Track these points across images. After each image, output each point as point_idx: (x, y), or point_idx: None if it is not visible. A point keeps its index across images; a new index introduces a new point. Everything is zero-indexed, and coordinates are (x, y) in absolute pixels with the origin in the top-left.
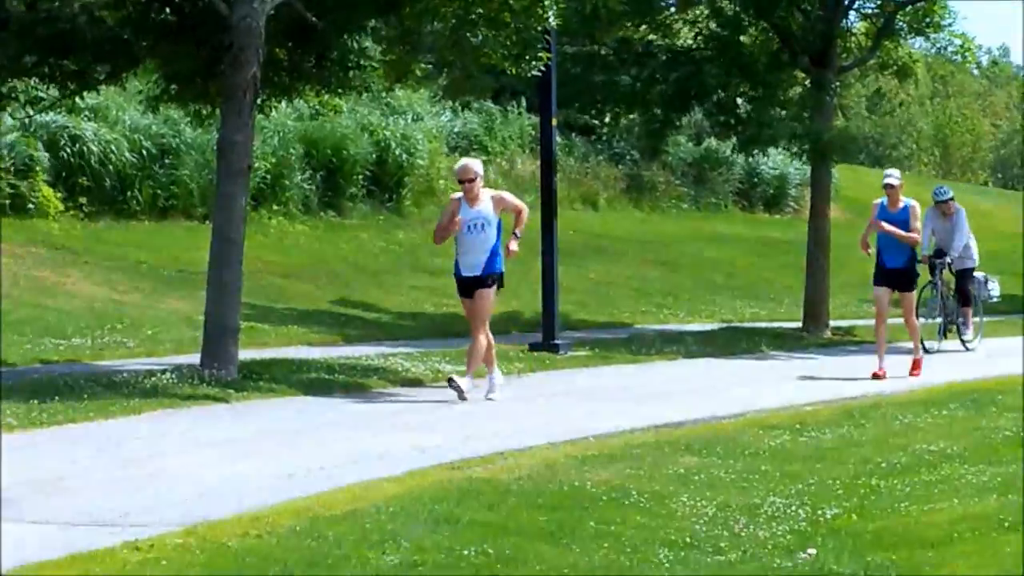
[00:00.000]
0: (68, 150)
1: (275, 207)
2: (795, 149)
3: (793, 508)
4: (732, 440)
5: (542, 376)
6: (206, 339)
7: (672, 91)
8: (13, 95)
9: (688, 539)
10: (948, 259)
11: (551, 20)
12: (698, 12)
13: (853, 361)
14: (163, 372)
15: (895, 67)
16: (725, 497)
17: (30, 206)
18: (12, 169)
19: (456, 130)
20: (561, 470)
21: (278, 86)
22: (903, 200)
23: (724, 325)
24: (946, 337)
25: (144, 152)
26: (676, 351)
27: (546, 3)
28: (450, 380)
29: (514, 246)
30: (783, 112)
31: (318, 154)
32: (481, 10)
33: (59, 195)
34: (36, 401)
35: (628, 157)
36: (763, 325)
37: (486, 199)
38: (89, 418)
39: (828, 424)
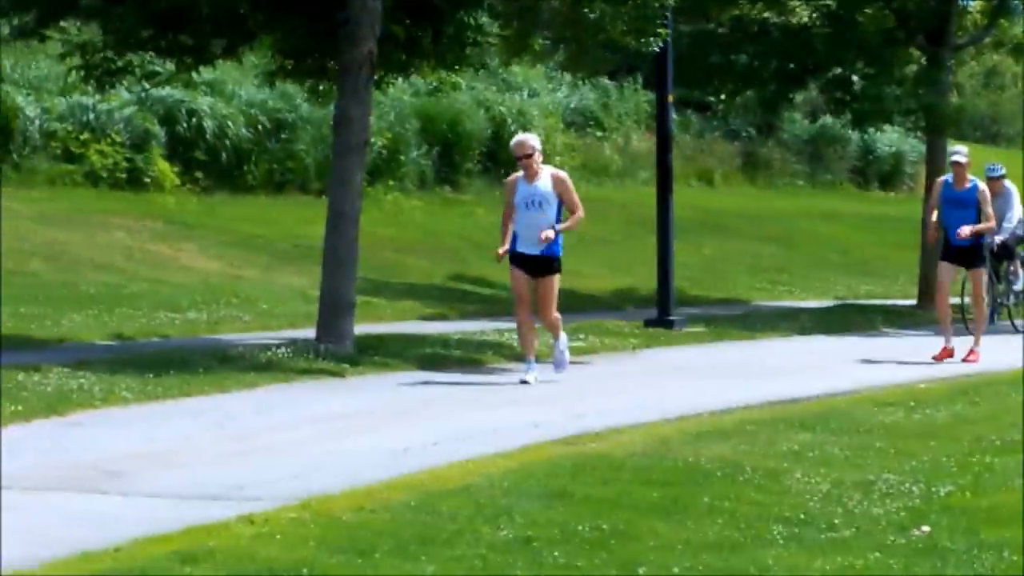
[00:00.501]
0: (184, 124)
1: (391, 182)
2: (909, 124)
3: (907, 485)
4: (846, 416)
5: (657, 352)
6: (321, 313)
7: (786, 67)
8: (129, 69)
9: (802, 515)
10: (999, 238)
11: None
12: None
13: (967, 340)
14: (278, 346)
15: (1011, 45)
16: (839, 474)
17: (146, 180)
18: (128, 143)
19: (572, 106)
20: (675, 446)
21: (395, 62)
22: (970, 179)
23: (838, 302)
24: (993, 322)
25: (260, 127)
26: (790, 328)
27: None
28: (522, 381)
29: (549, 234)
30: (898, 89)
31: (434, 130)
32: None
33: (175, 169)
34: (152, 375)
35: (743, 134)
36: (877, 302)
37: (545, 176)
38: (204, 392)
39: (941, 401)
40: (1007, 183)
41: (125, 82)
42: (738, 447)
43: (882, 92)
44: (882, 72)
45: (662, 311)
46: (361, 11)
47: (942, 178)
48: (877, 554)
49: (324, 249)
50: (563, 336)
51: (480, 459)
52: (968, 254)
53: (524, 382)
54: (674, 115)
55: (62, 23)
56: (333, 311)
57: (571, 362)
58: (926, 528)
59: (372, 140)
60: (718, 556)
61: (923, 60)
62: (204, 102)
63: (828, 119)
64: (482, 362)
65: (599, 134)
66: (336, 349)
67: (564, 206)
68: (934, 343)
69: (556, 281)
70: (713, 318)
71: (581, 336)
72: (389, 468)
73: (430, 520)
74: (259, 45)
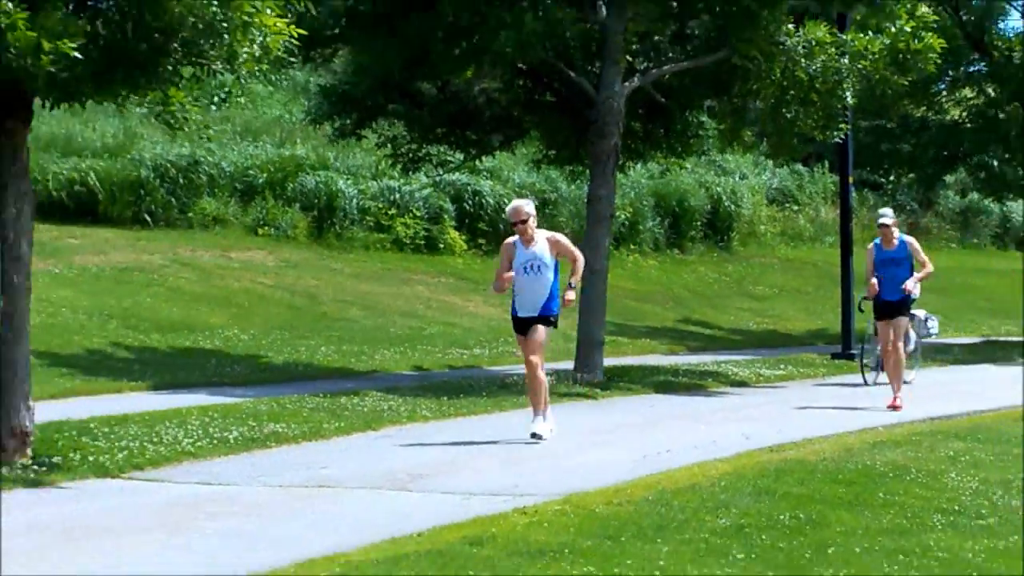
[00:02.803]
0: (470, 202)
1: (632, 246)
2: None
3: None
4: (992, 429)
5: (842, 379)
6: (578, 349)
7: (941, 154)
8: (428, 158)
9: (957, 507)
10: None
11: (848, 99)
12: (964, 93)
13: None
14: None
15: None
16: (986, 474)
17: (440, 246)
18: (426, 216)
19: (774, 186)
20: (856, 452)
21: (634, 151)
22: (897, 237)
23: (984, 339)
24: (882, 371)
25: None
26: (947, 359)
27: (844, 86)
28: (532, 435)
29: (570, 295)
30: None
31: (665, 205)
32: (794, 92)
33: (463, 237)
34: (446, 398)
35: (908, 207)
36: (1016, 339)
37: (541, 240)
38: (487, 411)
39: None
40: (897, 232)
41: (423, 168)
42: (906, 453)
43: (1017, 173)
44: (1017, 157)
45: (845, 346)
46: (608, 113)
47: (871, 244)
48: (1015, 537)
49: (581, 299)
50: (548, 408)
51: (703, 464)
52: (896, 305)
53: (536, 436)
54: (853, 192)
55: (374, 124)
56: (587, 347)
57: (772, 386)
58: None
59: (617, 213)
60: (890, 539)
61: None
62: (485, 184)
63: (975, 195)
64: (704, 387)
65: (795, 208)
66: (589, 378)
67: (564, 258)
68: None
69: (548, 333)
70: None
71: (781, 366)
72: (632, 471)
73: (664, 511)
74: (529, 139)
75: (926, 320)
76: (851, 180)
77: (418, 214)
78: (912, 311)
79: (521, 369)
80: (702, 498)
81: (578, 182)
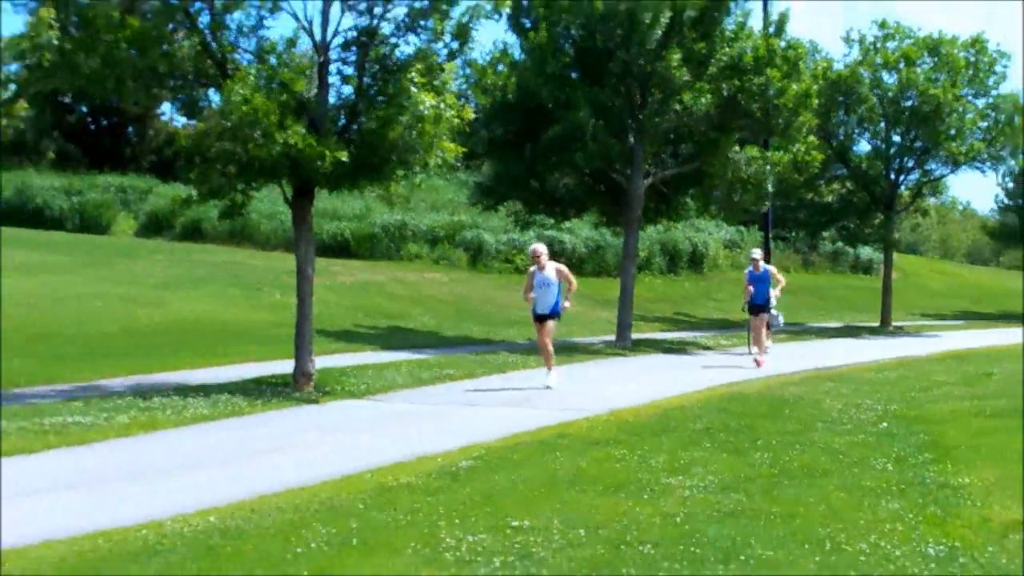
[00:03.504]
0: (557, 247)
1: (647, 272)
2: None
3: (881, 406)
4: (849, 375)
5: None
6: (617, 328)
7: (821, 220)
8: (534, 221)
9: (830, 419)
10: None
11: (770, 188)
12: (833, 186)
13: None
14: (600, 343)
15: None
16: (846, 401)
17: None
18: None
19: (728, 237)
20: (772, 388)
21: (649, 218)
22: (762, 266)
23: (844, 324)
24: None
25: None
26: (821, 336)
27: (767, 180)
28: (546, 386)
29: (567, 304)
30: None
31: (666, 248)
32: (739, 184)
33: None
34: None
35: (802, 250)
36: (864, 325)
37: (551, 268)
38: (569, 362)
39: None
40: (762, 263)
41: (532, 227)
42: (800, 388)
43: (863, 231)
44: (864, 222)
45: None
46: (635, 198)
47: (747, 269)
48: (862, 435)
49: (619, 298)
50: (553, 370)
51: (686, 394)
52: (762, 307)
53: (548, 387)
54: (771, 241)
55: (505, 203)
56: (622, 327)
57: (726, 351)
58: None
59: (639, 253)
60: (792, 437)
61: None
62: (566, 236)
63: (840, 243)
64: (687, 350)
65: (738, 249)
66: (623, 345)
67: (564, 282)
68: None
69: (555, 324)
70: None
71: (734, 339)
72: (646, 398)
73: (665, 420)
74: (590, 212)
75: (777, 316)
76: (770, 234)
77: (528, 253)
78: (771, 310)
79: (592, 339)
80: (685, 413)
81: (618, 236)
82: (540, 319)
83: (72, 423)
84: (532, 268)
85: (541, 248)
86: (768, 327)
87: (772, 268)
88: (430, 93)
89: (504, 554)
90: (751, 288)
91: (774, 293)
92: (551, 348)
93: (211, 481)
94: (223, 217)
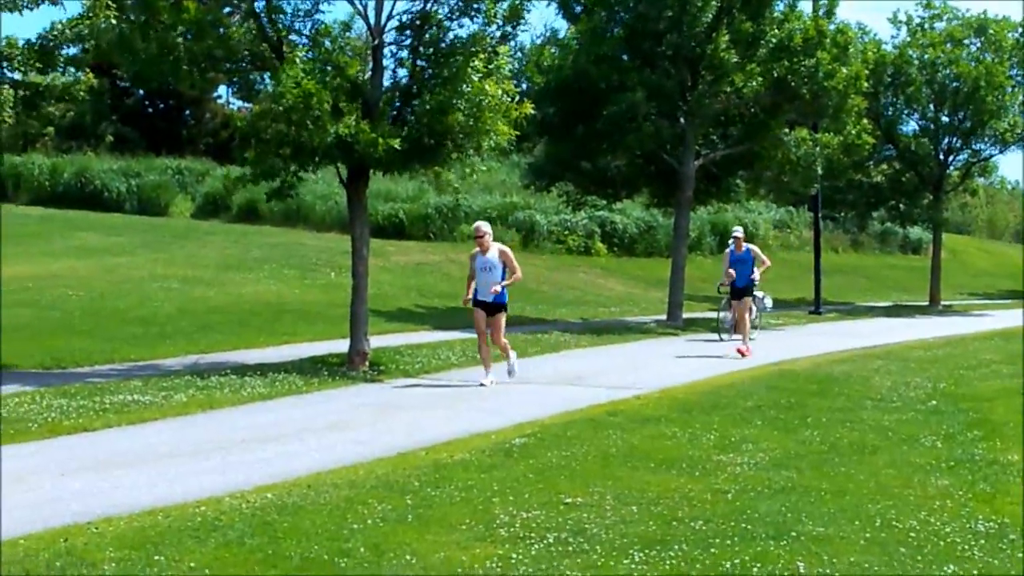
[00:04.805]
0: (608, 227)
1: (697, 252)
2: None
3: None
4: (897, 353)
5: (817, 327)
6: (668, 308)
7: (870, 201)
8: (586, 202)
9: (879, 397)
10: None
11: (819, 170)
12: (882, 167)
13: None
14: (651, 323)
15: None
16: (894, 379)
17: (592, 251)
18: (584, 234)
19: (777, 218)
20: (821, 365)
21: (700, 200)
22: (744, 246)
23: (893, 303)
24: (735, 331)
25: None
26: (872, 315)
27: (816, 163)
28: (481, 384)
29: (496, 288)
30: None
31: (716, 229)
32: (788, 166)
33: (604, 247)
34: (596, 335)
35: (851, 231)
36: (913, 303)
37: (494, 250)
38: (622, 342)
39: None
40: (745, 243)
41: (584, 208)
42: (849, 366)
43: (912, 211)
44: (913, 202)
45: (816, 305)
46: (686, 179)
47: (727, 250)
48: (912, 413)
49: (670, 278)
50: (513, 354)
51: (737, 371)
52: (744, 289)
53: (482, 384)
54: (820, 222)
55: (557, 184)
56: (674, 307)
57: (775, 329)
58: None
59: (690, 234)
60: (841, 414)
61: None
62: (618, 217)
63: (888, 223)
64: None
65: (788, 230)
66: (675, 324)
67: (507, 270)
68: None
69: (503, 318)
70: None
71: (782, 319)
72: (698, 375)
73: (715, 398)
74: (642, 193)
75: (763, 298)
76: (819, 215)
77: (580, 233)
78: (754, 293)
79: (644, 319)
80: (736, 390)
81: (669, 216)
82: (482, 307)
83: (131, 402)
84: (475, 251)
85: (485, 227)
86: (751, 312)
87: (755, 248)
88: (492, 82)
89: (557, 530)
90: (731, 271)
91: (757, 274)
92: (504, 341)
93: (268, 458)
94: (271, 199)
